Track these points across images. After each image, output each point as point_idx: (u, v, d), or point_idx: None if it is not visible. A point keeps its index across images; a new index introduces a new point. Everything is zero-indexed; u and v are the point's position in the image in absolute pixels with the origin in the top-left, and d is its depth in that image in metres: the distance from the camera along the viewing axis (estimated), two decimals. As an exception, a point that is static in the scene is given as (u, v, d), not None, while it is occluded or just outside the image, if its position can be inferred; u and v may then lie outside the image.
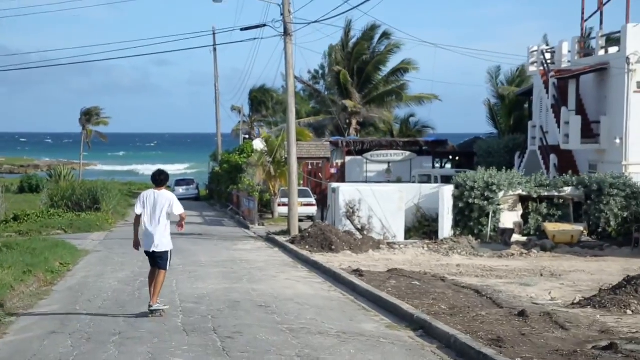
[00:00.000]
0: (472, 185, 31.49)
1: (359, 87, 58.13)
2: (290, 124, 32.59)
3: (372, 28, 58.07)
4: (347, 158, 52.71)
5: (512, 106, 55.04)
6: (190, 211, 49.12)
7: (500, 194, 31.31)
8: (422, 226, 32.30)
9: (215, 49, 72.11)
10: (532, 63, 46.27)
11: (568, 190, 31.87)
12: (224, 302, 16.63)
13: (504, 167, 50.08)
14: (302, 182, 45.44)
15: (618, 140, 37.96)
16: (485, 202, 31.10)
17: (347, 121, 58.57)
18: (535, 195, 31.64)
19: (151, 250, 15.24)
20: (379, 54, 58.19)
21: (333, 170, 56.01)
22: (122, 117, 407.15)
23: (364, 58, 57.95)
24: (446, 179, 45.99)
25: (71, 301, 17.15)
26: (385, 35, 58.28)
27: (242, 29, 32.82)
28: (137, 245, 15.70)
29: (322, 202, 46.46)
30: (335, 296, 17.36)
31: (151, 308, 15.15)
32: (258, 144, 57.16)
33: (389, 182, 53.28)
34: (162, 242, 15.22)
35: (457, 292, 17.42)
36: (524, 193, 31.71)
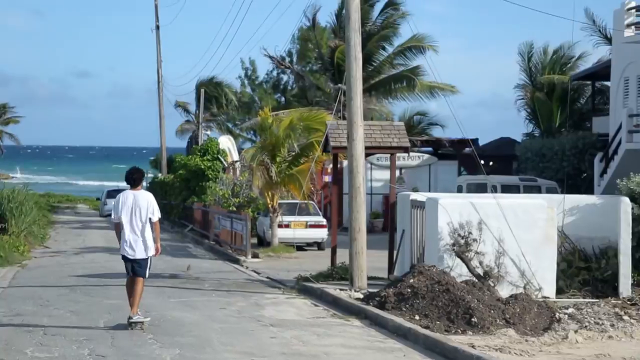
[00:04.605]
0: (667, 197, 17.93)
1: (358, 69, 44.03)
2: (355, 81, 18.23)
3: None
4: (345, 162, 38.90)
5: (563, 96, 41.63)
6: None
7: None
8: (576, 270, 18.48)
9: (158, 27, 58.01)
10: (629, 25, 32.96)
11: None
12: None
13: (570, 175, 37.23)
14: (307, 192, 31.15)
15: None
16: (696, 229, 17.50)
17: (339, 114, 44.41)
18: None
19: (132, 258, 13.91)
20: (384, 26, 43.94)
21: (326, 178, 42.11)
22: (40, 129, 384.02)
23: (367, 29, 43.93)
24: (509, 190, 32.75)
25: None
26: (393, 4, 44.25)
27: None
28: None
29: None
30: None
31: (131, 320, 13.67)
32: (225, 142, 43.16)
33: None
34: (145, 248, 13.92)
35: None
36: None
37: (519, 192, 31.52)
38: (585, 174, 36.57)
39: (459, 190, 33.57)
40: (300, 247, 30.25)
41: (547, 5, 25.94)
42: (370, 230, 35.24)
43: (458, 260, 17.25)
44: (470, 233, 17.25)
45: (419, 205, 19.00)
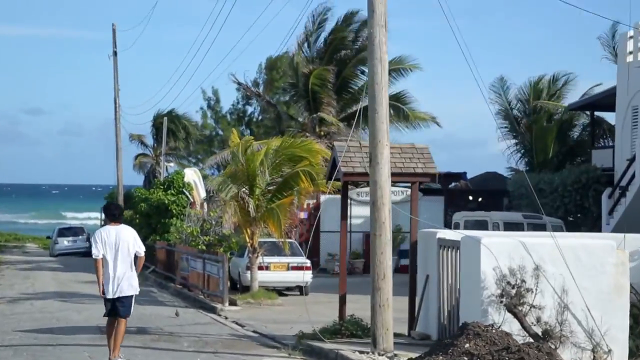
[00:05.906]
0: None
1: (334, 96, 40.50)
2: (380, 88, 14.58)
3: (353, 14, 40.53)
4: (322, 197, 35.40)
5: (559, 128, 38.53)
6: (87, 273, 31.14)
7: None
8: (646, 325, 15.07)
9: (115, 53, 54.19)
10: (631, 53, 30.04)
11: None
12: None
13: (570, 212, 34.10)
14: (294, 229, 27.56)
15: None
16: None
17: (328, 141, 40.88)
18: None
19: (116, 297, 13.45)
20: (362, 49, 40.35)
21: (302, 215, 38.48)
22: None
23: (342, 54, 40.50)
24: (512, 227, 29.46)
25: None
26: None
27: None
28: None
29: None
30: None
31: None
32: (191, 175, 39.42)
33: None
34: (129, 285, 13.51)
35: None
36: None
37: (523, 230, 28.33)
38: (586, 211, 33.56)
39: (456, 227, 30.11)
40: (279, 292, 26.68)
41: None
42: (351, 272, 31.77)
43: (507, 315, 13.78)
44: (523, 281, 13.77)
45: (449, 245, 15.50)
